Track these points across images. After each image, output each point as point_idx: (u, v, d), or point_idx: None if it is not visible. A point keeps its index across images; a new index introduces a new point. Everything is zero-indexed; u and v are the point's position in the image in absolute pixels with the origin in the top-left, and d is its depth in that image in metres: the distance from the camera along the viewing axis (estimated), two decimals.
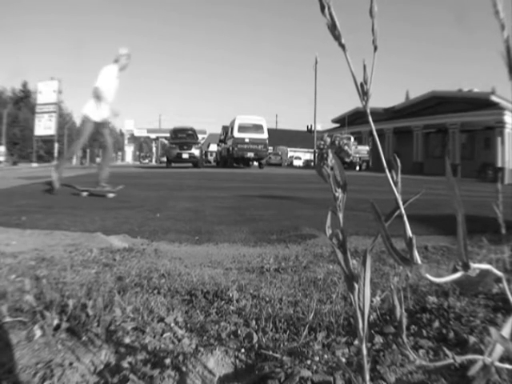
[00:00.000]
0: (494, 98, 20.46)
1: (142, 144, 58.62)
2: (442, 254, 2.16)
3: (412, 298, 1.37)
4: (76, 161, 29.75)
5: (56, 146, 29.31)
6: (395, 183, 0.53)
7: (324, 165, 0.58)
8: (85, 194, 5.19)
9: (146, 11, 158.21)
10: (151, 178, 9.76)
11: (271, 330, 1.16)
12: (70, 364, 0.96)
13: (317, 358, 0.99)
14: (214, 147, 35.54)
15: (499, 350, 0.57)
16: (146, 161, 48.81)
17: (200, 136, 23.18)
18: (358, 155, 23.79)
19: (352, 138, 22.87)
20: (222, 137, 22.48)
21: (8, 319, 1.15)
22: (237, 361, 1.02)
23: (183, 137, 18.54)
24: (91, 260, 1.95)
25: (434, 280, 0.50)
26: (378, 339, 1.09)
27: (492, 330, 0.54)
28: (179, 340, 1.10)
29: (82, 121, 5.48)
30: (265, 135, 18.15)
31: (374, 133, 0.54)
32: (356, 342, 1.06)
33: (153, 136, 52.09)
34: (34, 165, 26.53)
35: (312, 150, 35.70)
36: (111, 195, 5.12)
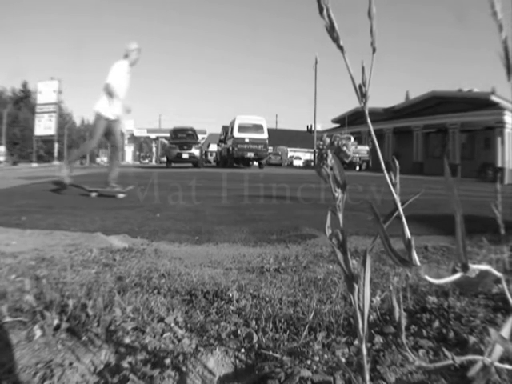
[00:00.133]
0: (494, 98, 20.47)
1: (141, 144, 58.63)
2: (441, 254, 2.16)
3: (412, 298, 1.37)
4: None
5: (56, 145, 29.32)
6: (394, 185, 0.53)
7: (324, 165, 0.58)
8: (94, 194, 5.05)
9: (146, 11, 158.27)
10: (151, 178, 9.76)
11: (271, 330, 1.16)
12: (70, 364, 0.96)
13: (317, 358, 0.99)
14: (214, 147, 35.53)
15: (499, 350, 0.57)
16: (146, 161, 48.84)
17: (200, 136, 23.19)
18: (357, 155, 23.78)
19: (352, 138, 22.88)
20: (222, 137, 22.49)
21: (8, 319, 1.16)
22: (237, 361, 1.02)
23: (183, 137, 18.56)
24: (91, 260, 1.95)
25: (433, 281, 0.50)
26: (378, 339, 1.09)
27: (491, 330, 0.54)
28: (179, 340, 1.10)
29: (95, 118, 5.28)
30: (265, 135, 18.16)
31: (373, 134, 0.54)
32: (356, 342, 1.06)
33: (153, 136, 52.12)
34: (34, 165, 26.53)
35: (312, 150, 35.71)
36: (121, 195, 4.96)
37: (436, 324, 1.17)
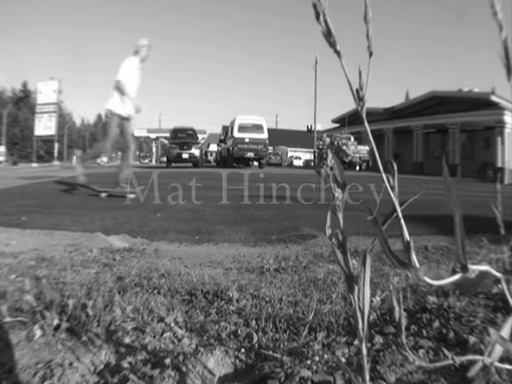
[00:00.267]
0: (494, 98, 20.46)
1: (141, 144, 58.67)
2: (441, 254, 2.16)
3: (412, 298, 1.37)
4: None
5: (56, 145, 29.32)
6: (392, 187, 0.53)
7: (324, 165, 0.58)
8: (104, 194, 4.98)
9: (146, 11, 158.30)
10: (151, 178, 9.75)
11: (271, 330, 1.16)
12: (70, 364, 0.96)
13: (317, 358, 0.99)
14: (214, 147, 35.55)
15: (499, 350, 0.57)
16: (146, 161, 48.87)
17: (200, 136, 23.17)
18: (357, 155, 23.76)
19: (352, 138, 22.87)
20: (222, 137, 22.47)
21: (8, 319, 1.16)
22: (237, 361, 1.02)
23: (183, 137, 18.54)
24: (91, 260, 1.95)
25: (432, 282, 0.50)
26: (378, 339, 1.09)
27: (491, 330, 0.54)
28: (179, 340, 1.10)
29: (107, 116, 5.17)
30: (265, 135, 18.14)
31: (370, 137, 0.54)
32: (356, 342, 1.06)
33: (153, 136, 52.09)
34: (34, 165, 26.53)
35: (312, 150, 35.71)
36: (132, 196, 4.84)
37: (436, 324, 1.17)
